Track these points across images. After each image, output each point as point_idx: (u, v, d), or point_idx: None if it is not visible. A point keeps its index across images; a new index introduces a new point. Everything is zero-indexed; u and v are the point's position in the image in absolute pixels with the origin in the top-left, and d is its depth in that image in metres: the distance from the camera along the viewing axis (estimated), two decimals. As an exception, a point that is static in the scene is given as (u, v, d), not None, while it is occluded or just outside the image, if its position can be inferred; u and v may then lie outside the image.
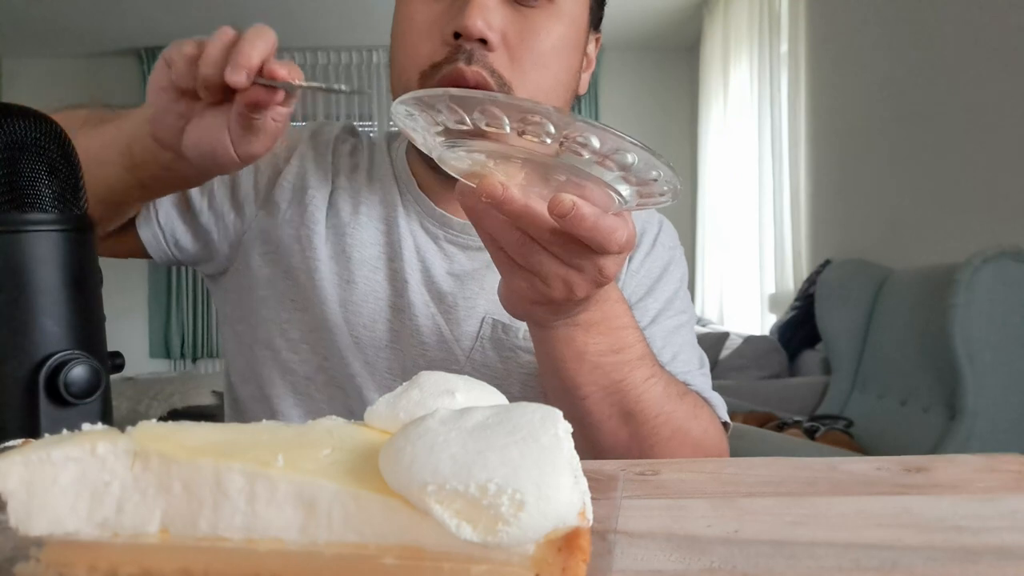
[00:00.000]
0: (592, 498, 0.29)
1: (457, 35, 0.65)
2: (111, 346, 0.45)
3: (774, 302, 3.66)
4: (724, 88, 4.39)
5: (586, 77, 0.78)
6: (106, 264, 0.45)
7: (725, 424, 0.76)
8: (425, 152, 0.49)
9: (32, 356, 0.41)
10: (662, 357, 0.72)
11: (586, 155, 0.42)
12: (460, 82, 0.64)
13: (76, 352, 0.42)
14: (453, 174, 0.48)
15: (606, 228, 0.45)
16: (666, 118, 5.48)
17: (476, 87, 0.64)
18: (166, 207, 0.76)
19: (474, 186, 0.46)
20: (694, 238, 5.04)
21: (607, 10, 0.80)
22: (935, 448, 1.84)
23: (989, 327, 1.84)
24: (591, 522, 0.28)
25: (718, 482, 0.47)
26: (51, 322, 0.41)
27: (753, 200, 3.91)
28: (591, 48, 0.79)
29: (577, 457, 0.29)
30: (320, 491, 0.28)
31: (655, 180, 0.44)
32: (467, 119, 0.42)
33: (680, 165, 5.35)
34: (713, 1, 4.55)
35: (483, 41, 0.65)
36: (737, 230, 4.17)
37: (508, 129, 0.42)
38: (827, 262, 2.93)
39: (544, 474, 0.27)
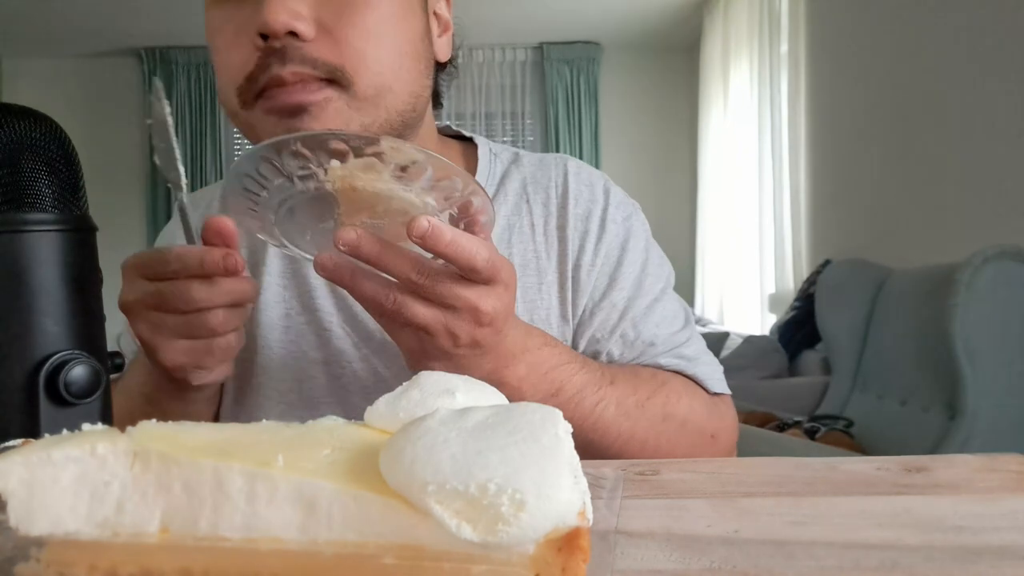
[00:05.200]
0: (592, 498, 0.29)
1: (265, 36, 0.57)
2: (111, 346, 0.45)
3: (774, 302, 3.66)
4: (724, 88, 4.39)
5: (444, 42, 0.69)
6: (106, 264, 0.45)
7: (723, 395, 0.73)
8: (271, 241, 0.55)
9: (32, 356, 0.41)
10: (637, 347, 0.71)
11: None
12: (279, 92, 0.57)
13: (76, 352, 0.42)
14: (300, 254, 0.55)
15: (466, 243, 0.47)
16: (666, 118, 5.48)
17: (301, 84, 0.57)
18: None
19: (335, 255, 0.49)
20: (694, 238, 5.04)
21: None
22: (935, 448, 1.84)
23: (989, 327, 1.83)
24: (591, 522, 0.28)
25: (718, 482, 0.47)
26: (51, 322, 0.41)
27: (753, 200, 3.91)
28: (441, 7, 0.69)
29: (577, 457, 0.29)
30: (320, 491, 0.28)
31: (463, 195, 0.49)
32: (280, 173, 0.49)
33: (680, 165, 5.33)
34: (713, 1, 4.55)
35: (295, 35, 0.57)
36: (737, 230, 4.17)
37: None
38: (827, 262, 2.93)
39: (544, 474, 0.27)
